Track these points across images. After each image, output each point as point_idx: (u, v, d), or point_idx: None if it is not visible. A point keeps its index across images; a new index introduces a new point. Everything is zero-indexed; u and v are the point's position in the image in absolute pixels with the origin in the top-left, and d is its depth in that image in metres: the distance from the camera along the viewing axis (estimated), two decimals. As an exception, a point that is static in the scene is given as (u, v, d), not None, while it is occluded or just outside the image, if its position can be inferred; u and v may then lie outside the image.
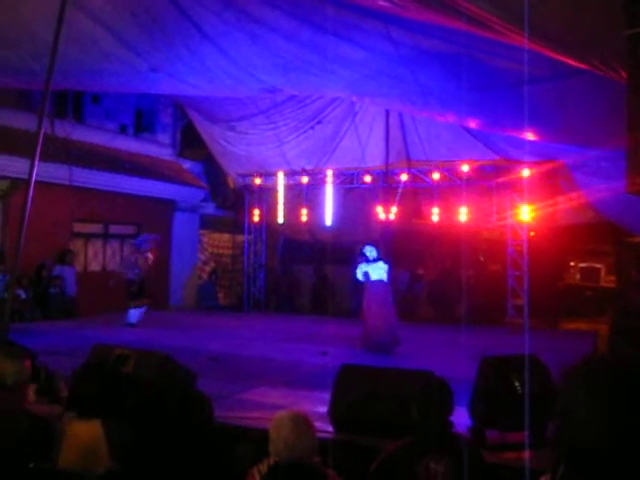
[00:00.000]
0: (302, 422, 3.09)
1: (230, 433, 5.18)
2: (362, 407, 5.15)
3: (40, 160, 7.08)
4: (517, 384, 4.78)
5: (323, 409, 5.65)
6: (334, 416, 5.35)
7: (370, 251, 10.82)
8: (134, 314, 12.80)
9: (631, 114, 3.93)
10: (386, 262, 10.94)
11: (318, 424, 5.33)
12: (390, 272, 11.19)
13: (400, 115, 14.26)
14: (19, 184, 11.74)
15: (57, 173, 13.22)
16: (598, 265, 20.87)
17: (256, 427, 5.24)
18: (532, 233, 14.50)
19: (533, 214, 13.82)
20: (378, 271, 10.68)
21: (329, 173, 15.93)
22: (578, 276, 21.11)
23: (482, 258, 16.93)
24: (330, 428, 5.37)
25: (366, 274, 10.71)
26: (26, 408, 3.71)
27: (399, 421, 4.52)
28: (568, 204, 13.79)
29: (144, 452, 3.30)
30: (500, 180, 14.14)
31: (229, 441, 4.74)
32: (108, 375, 3.49)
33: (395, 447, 3.54)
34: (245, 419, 5.72)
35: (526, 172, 13.54)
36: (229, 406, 6.23)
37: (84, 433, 3.22)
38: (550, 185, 13.78)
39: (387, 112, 14.20)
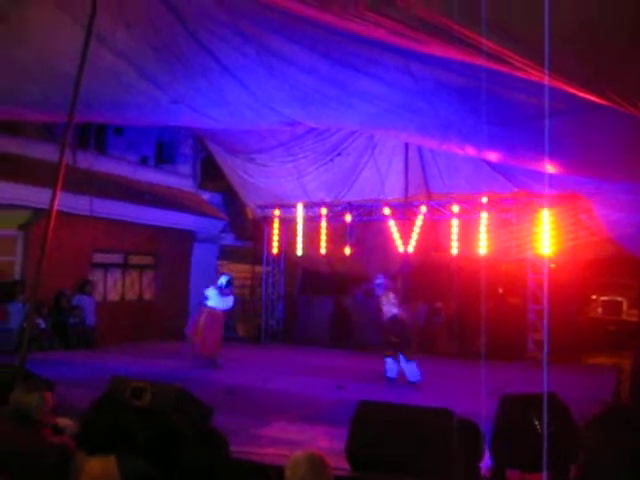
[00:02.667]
0: (318, 463, 3.05)
1: (246, 469, 5.12)
2: (380, 445, 5.06)
3: (62, 190, 7.14)
4: (537, 423, 4.69)
5: (340, 445, 5.57)
6: (351, 453, 5.25)
7: (224, 281, 12.26)
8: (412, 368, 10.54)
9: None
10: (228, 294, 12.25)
11: (335, 461, 5.26)
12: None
13: (419, 148, 14.28)
14: (40, 214, 11.84)
15: (78, 204, 13.35)
16: (620, 298, 20.60)
17: (272, 464, 5.17)
18: (552, 266, 14.36)
19: (554, 247, 13.69)
20: (221, 300, 12.14)
21: (348, 206, 15.93)
22: (600, 310, 20.84)
23: (501, 291, 16.78)
24: (347, 465, 5.29)
25: (206, 297, 12.14)
26: (50, 441, 3.71)
27: (418, 460, 4.45)
28: (589, 238, 13.67)
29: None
30: (520, 212, 14.06)
31: (245, 477, 4.68)
32: (122, 410, 3.45)
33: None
34: (261, 455, 5.66)
35: (546, 204, 13.44)
36: (245, 442, 6.18)
37: (98, 469, 3.19)
38: (570, 218, 13.67)
39: (406, 145, 14.23)
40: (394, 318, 10.78)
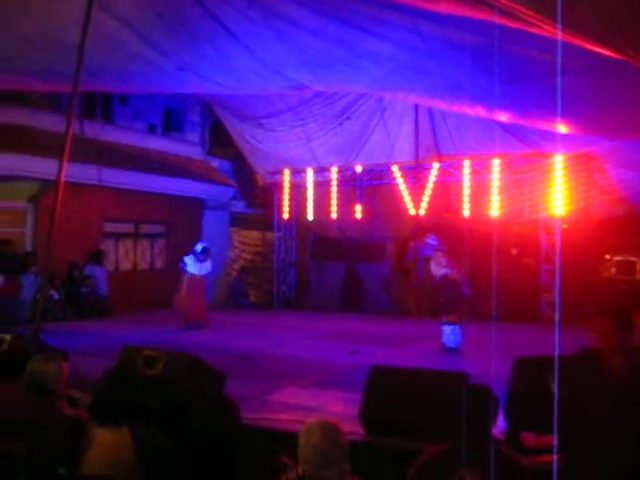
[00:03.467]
0: (332, 430, 3.01)
1: (259, 436, 5.12)
2: (394, 409, 5.05)
3: (69, 161, 7.09)
4: (552, 385, 4.64)
5: (353, 410, 5.57)
6: (365, 418, 5.26)
7: (199, 248, 12.90)
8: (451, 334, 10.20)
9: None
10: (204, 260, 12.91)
11: (349, 426, 5.26)
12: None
13: (429, 109, 14.09)
14: (49, 185, 11.79)
15: (87, 174, 13.28)
16: (633, 258, 20.46)
17: (285, 430, 5.18)
18: (565, 226, 14.23)
19: (566, 207, 13.55)
20: (198, 266, 12.79)
21: (358, 169, 15.80)
22: (613, 269, 20.72)
23: (515, 252, 16.68)
24: (361, 430, 5.29)
25: (184, 264, 12.82)
26: (66, 412, 3.70)
27: (432, 424, 4.42)
28: (602, 197, 13.52)
29: (173, 458, 3.26)
30: (532, 172, 13.88)
31: (257, 444, 4.68)
32: (135, 381, 3.43)
33: (432, 453, 3.44)
34: (274, 421, 5.67)
35: (559, 164, 13.27)
36: (258, 407, 6.20)
37: (111, 441, 3.18)
38: (583, 178, 13.50)
39: (416, 107, 14.05)
40: (444, 278, 10.55)
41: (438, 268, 10.61)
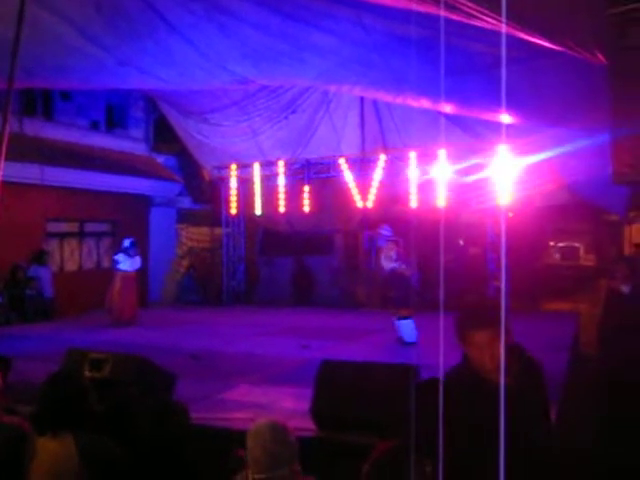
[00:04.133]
0: (280, 429, 2.99)
1: (212, 436, 5.06)
2: (345, 403, 5.05)
3: (9, 160, 6.87)
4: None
5: (306, 406, 5.55)
6: (316, 413, 5.24)
7: (128, 243, 12.86)
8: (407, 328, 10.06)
9: (615, 101, 3.82)
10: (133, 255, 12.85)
11: (300, 422, 5.25)
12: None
13: (374, 102, 14.13)
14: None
15: (28, 173, 12.97)
16: (577, 244, 20.95)
17: (238, 428, 5.12)
18: (510, 214, 14.45)
19: (511, 197, 13.75)
20: (130, 261, 12.72)
21: (305, 163, 15.78)
22: (557, 256, 21.18)
23: (462, 242, 16.90)
24: (312, 426, 5.27)
25: (117, 262, 12.76)
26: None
27: (383, 418, 4.43)
28: (545, 186, 13.76)
29: (119, 464, 3.19)
30: (477, 163, 14.02)
31: (210, 444, 4.62)
32: (78, 385, 3.33)
33: (386, 448, 3.43)
34: (227, 420, 5.61)
35: (503, 154, 13.43)
36: (210, 407, 6.13)
37: (55, 449, 3.08)
38: (527, 166, 13.72)
39: (362, 99, 14.08)
40: (392, 272, 10.48)
41: (387, 262, 10.53)
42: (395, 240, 11.06)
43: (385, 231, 11.19)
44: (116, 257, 12.91)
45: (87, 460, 3.05)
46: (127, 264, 12.69)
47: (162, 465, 3.27)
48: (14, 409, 3.89)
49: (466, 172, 14.31)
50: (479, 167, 14.08)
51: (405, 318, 10.02)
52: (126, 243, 12.90)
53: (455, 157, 14.31)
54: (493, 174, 13.75)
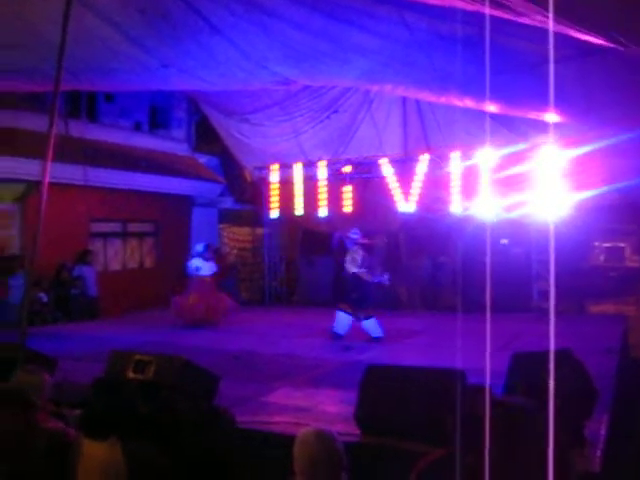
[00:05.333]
0: (328, 438, 2.94)
1: (254, 440, 5.03)
2: (390, 409, 4.97)
3: (55, 161, 6.98)
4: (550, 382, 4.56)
5: (348, 409, 5.49)
6: (360, 419, 5.18)
7: (201, 248, 12.64)
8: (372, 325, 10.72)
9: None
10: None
11: (344, 426, 5.19)
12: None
13: (417, 101, 13.99)
14: (35, 186, 11.67)
15: (73, 174, 13.16)
16: (622, 244, 20.51)
17: (280, 432, 5.10)
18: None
19: (557, 196, 13.47)
20: (207, 265, 12.47)
21: (346, 163, 15.69)
22: (602, 257, 20.76)
23: (505, 241, 16.65)
24: (356, 431, 5.21)
25: (197, 268, 12.37)
26: (43, 425, 3.57)
27: (429, 424, 4.35)
28: (593, 185, 13.46)
29: (165, 472, 3.17)
30: (524, 165, 13.75)
31: (251, 449, 4.60)
32: (124, 389, 3.33)
33: (433, 458, 3.36)
34: (268, 424, 5.58)
35: (550, 154, 13.16)
36: (253, 410, 6.10)
37: (102, 454, 3.07)
38: (573, 167, 13.44)
39: (404, 98, 13.94)
40: (354, 275, 10.85)
41: (352, 265, 10.88)
42: (364, 244, 11.24)
43: (354, 234, 11.23)
44: (192, 263, 12.55)
45: (133, 467, 3.04)
46: (206, 268, 12.48)
47: (206, 471, 3.24)
48: (61, 413, 3.91)
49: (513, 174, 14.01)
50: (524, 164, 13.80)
51: (369, 317, 10.58)
52: (199, 247, 12.71)
53: (500, 157, 14.05)
54: (538, 171, 13.49)
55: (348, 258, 11.01)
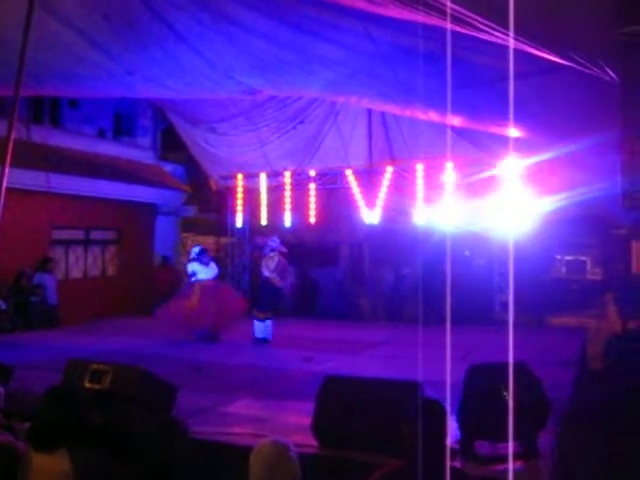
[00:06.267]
0: (283, 450, 2.97)
1: (211, 452, 5.00)
2: (346, 420, 4.98)
3: (16, 167, 6.89)
4: (506, 394, 4.62)
5: (307, 421, 5.48)
6: (318, 430, 5.18)
7: (198, 251, 12.35)
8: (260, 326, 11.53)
9: (625, 122, 3.76)
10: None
11: (302, 438, 5.18)
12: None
13: (382, 114, 14.08)
14: (-6, 192, 11.48)
15: (34, 180, 12.98)
16: (583, 257, 20.77)
17: (237, 444, 5.07)
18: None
19: (518, 209, 13.63)
20: (206, 270, 12.14)
21: (312, 173, 15.73)
22: (564, 270, 21.00)
23: (467, 253, 16.77)
24: (314, 442, 5.20)
25: (193, 273, 12.08)
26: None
27: (386, 435, 4.37)
28: (555, 199, 13.64)
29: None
30: (485, 176, 13.90)
31: (209, 460, 4.57)
32: (76, 399, 3.28)
33: (387, 470, 3.37)
34: (227, 435, 5.55)
35: (512, 167, 13.31)
36: (211, 421, 6.07)
37: (49, 465, 3.02)
38: (535, 180, 13.61)
39: (369, 111, 14.03)
40: (265, 280, 11.68)
41: (265, 270, 11.68)
42: (281, 251, 11.87)
43: (273, 242, 11.90)
44: (190, 268, 12.11)
45: (82, 476, 3.00)
46: (204, 273, 12.04)
47: (159, 482, 3.22)
48: (11, 425, 3.85)
49: (473, 186, 14.19)
50: (485, 180, 13.96)
51: (262, 320, 11.39)
52: (195, 250, 12.35)
53: (463, 170, 14.21)
54: (501, 186, 13.65)
55: (263, 263, 11.75)
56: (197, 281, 11.98)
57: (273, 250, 11.75)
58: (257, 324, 11.46)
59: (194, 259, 12.17)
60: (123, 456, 3.21)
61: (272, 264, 11.57)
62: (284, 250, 11.95)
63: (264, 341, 11.35)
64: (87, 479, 3.00)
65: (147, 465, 3.09)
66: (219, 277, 12.74)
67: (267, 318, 11.47)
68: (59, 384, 3.45)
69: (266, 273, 11.64)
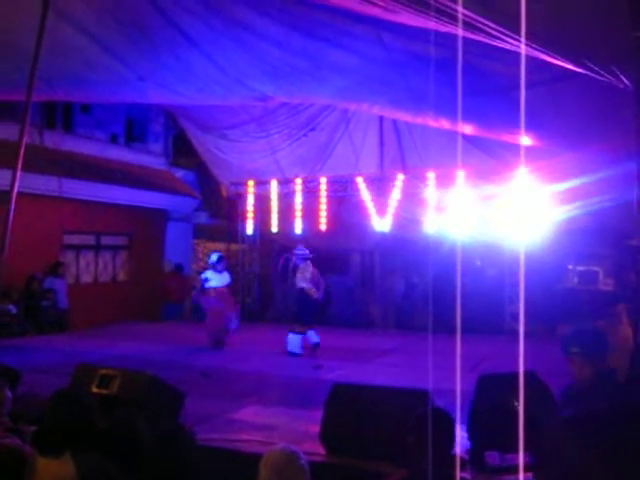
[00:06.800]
0: (294, 457, 2.95)
1: (219, 458, 4.97)
2: (355, 428, 4.94)
3: (29, 172, 6.94)
4: (516, 404, 4.56)
5: (316, 429, 5.45)
6: (325, 438, 5.14)
7: (215, 258, 12.36)
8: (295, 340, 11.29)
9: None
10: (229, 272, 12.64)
11: (310, 446, 5.14)
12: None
13: (394, 121, 14.05)
14: (5, 196, 11.52)
15: (46, 185, 13.04)
16: (596, 268, 20.64)
17: (245, 451, 5.04)
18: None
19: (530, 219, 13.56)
20: (218, 277, 12.13)
21: (323, 181, 15.70)
22: (576, 280, 20.88)
23: (479, 263, 16.70)
24: (322, 450, 5.16)
25: (206, 280, 12.09)
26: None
27: (393, 443, 4.32)
28: (567, 209, 13.56)
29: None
30: (498, 185, 13.83)
31: (217, 468, 4.53)
32: (82, 404, 3.26)
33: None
34: (235, 442, 5.51)
35: (524, 176, 13.25)
36: (219, 427, 6.04)
37: (54, 470, 3.00)
38: (547, 189, 13.54)
39: (381, 118, 14.00)
40: (301, 291, 11.34)
41: (301, 281, 11.38)
42: (310, 259, 11.65)
43: (300, 250, 11.70)
44: (204, 275, 12.33)
45: (86, 478, 2.98)
46: (216, 280, 12.17)
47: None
48: (18, 429, 3.83)
49: (485, 194, 14.14)
50: (497, 186, 13.89)
51: (297, 333, 11.13)
52: (213, 258, 12.46)
53: (475, 178, 14.15)
54: (513, 196, 13.58)
55: (299, 275, 11.43)
56: (209, 288, 12.06)
57: (306, 259, 11.52)
58: (292, 337, 11.20)
59: (210, 266, 12.32)
60: (126, 461, 3.19)
61: (308, 274, 11.34)
62: (309, 255, 11.73)
63: (296, 355, 11.03)
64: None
65: (151, 471, 3.06)
66: (230, 285, 12.72)
67: (304, 332, 11.18)
68: (64, 388, 3.43)
69: (303, 284, 11.37)
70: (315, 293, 11.40)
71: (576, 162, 11.11)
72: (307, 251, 11.65)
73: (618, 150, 8.20)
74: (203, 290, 12.23)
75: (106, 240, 16.46)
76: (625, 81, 4.87)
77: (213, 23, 7.38)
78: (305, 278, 11.31)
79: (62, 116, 15.39)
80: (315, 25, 6.93)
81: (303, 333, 11.14)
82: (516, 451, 4.46)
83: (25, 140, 6.91)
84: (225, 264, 12.52)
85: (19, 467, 2.99)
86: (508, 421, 4.58)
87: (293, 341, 11.16)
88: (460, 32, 4.31)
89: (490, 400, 4.82)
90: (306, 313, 11.29)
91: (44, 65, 6.82)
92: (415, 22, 5.81)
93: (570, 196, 13.42)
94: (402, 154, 15.00)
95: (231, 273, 13.23)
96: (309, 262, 11.52)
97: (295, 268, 11.55)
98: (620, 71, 4.72)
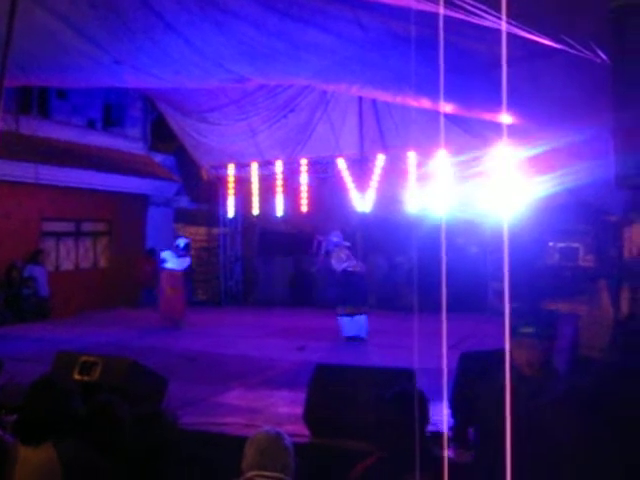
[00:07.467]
0: (278, 438, 3.00)
1: (202, 441, 4.96)
2: (338, 409, 4.94)
3: (5, 158, 6.82)
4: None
5: (300, 410, 5.45)
6: (309, 419, 5.15)
7: (182, 243, 12.58)
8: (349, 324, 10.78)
9: (617, 102, 3.69)
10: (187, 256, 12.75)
11: (294, 427, 5.15)
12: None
13: (373, 101, 14.00)
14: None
15: (23, 171, 12.88)
16: (576, 245, 20.78)
17: (230, 434, 5.04)
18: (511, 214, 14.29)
19: (510, 196, 13.58)
20: (177, 261, 12.30)
21: (303, 162, 15.65)
22: (557, 256, 21.02)
23: (461, 241, 16.75)
24: (306, 432, 5.17)
25: (163, 260, 12.33)
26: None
27: (376, 424, 4.32)
28: (547, 186, 13.61)
29: (101, 473, 3.09)
30: (477, 162, 13.84)
31: (201, 451, 4.53)
32: (62, 391, 3.22)
33: (369, 463, 3.34)
34: (220, 425, 5.51)
35: (506, 155, 13.25)
36: (204, 411, 6.04)
37: (36, 458, 2.98)
38: (530, 166, 13.57)
39: (360, 99, 13.95)
40: (345, 272, 10.90)
41: (339, 263, 10.97)
42: (345, 245, 11.36)
43: (335, 237, 11.44)
44: (162, 255, 12.55)
45: (69, 469, 2.96)
46: (173, 263, 12.31)
47: (145, 473, 3.18)
48: (0, 418, 3.80)
49: (465, 171, 14.14)
50: (478, 164, 13.91)
51: (351, 315, 10.65)
52: (180, 242, 12.60)
53: (455, 156, 14.13)
54: (493, 172, 13.60)
55: (334, 260, 11.10)
56: (164, 270, 12.34)
57: (337, 246, 11.20)
58: (345, 321, 10.75)
59: (171, 248, 12.53)
60: (106, 447, 3.18)
61: (343, 256, 10.98)
62: (347, 245, 11.44)
63: (357, 339, 10.59)
64: (73, 470, 2.96)
65: (132, 456, 3.05)
66: (187, 271, 12.93)
67: (358, 313, 10.72)
68: (43, 376, 3.41)
69: (342, 265, 10.94)
70: (360, 267, 11.16)
71: (556, 139, 11.14)
72: (340, 238, 11.40)
73: (598, 126, 8.23)
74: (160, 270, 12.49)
75: (86, 226, 16.34)
76: (602, 55, 4.86)
77: (189, 5, 7.28)
78: (341, 259, 10.96)
79: (38, 102, 15.18)
80: (291, 5, 6.86)
81: (354, 315, 10.68)
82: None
83: (0, 127, 6.80)
84: (189, 251, 12.77)
85: (0, 457, 2.97)
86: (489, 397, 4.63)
87: (347, 324, 10.72)
88: (441, 10, 4.26)
89: (472, 378, 4.84)
90: (356, 292, 10.83)
91: (17, 49, 6.68)
92: (393, 0, 5.76)
93: (549, 172, 13.47)
94: (382, 134, 14.96)
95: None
96: (340, 248, 11.20)
97: (328, 252, 11.38)
98: (597, 46, 4.71)
